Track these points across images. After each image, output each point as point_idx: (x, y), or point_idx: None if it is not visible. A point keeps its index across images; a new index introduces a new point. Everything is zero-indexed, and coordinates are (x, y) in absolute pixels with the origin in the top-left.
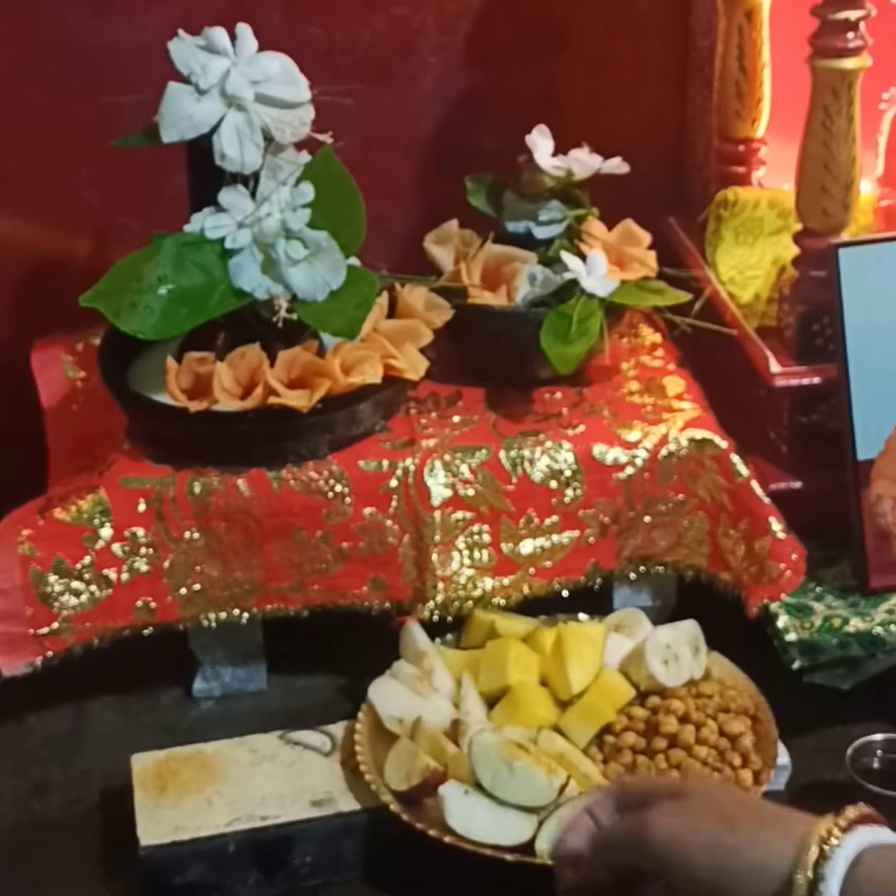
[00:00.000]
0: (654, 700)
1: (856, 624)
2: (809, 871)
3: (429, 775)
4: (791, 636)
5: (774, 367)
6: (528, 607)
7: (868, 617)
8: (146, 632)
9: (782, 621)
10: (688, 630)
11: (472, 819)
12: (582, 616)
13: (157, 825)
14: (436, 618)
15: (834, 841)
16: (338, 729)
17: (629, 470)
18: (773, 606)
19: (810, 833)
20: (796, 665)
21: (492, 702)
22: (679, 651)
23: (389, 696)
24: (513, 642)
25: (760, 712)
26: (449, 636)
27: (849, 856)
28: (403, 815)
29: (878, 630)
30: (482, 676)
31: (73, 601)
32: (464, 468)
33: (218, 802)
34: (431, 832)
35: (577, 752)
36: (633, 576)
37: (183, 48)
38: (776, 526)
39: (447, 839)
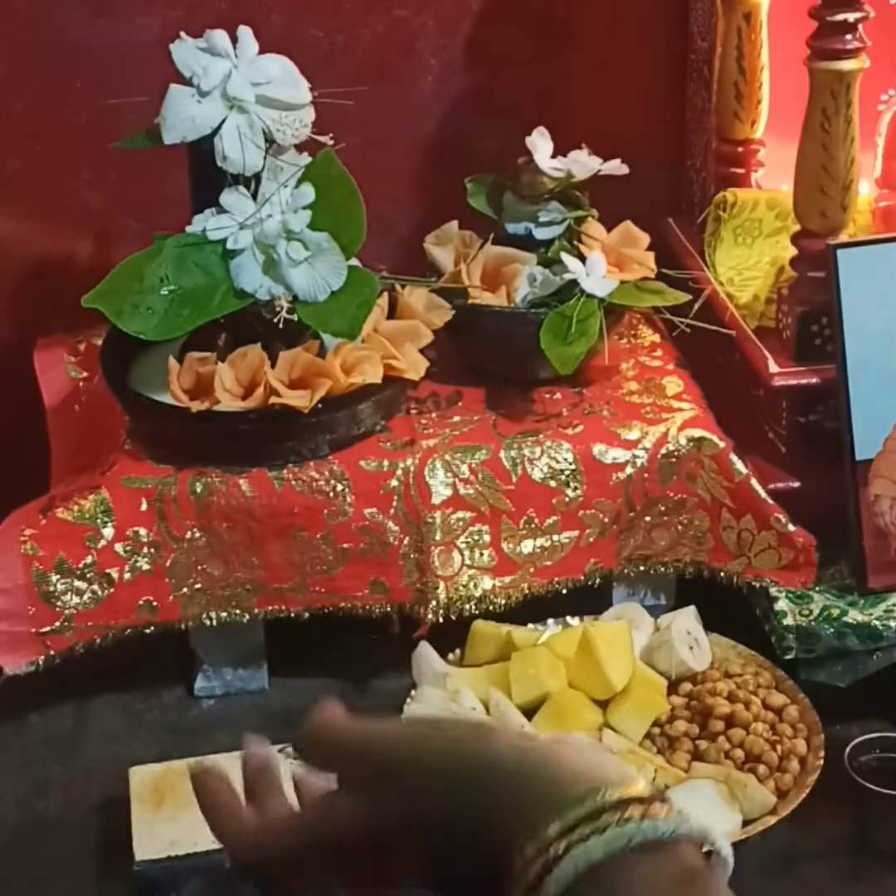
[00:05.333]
0: (687, 686)
1: (854, 615)
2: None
3: None
4: (788, 621)
5: (773, 367)
6: (520, 609)
7: (867, 613)
8: (148, 631)
9: (781, 605)
10: (692, 614)
11: None
12: (571, 619)
13: (152, 840)
14: (440, 619)
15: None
16: None
17: (629, 470)
18: (773, 590)
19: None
20: (792, 655)
21: (528, 714)
22: (698, 636)
23: None
24: (542, 651)
25: (781, 683)
26: (451, 656)
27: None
28: None
29: (876, 623)
30: (516, 689)
31: (76, 600)
32: (464, 468)
33: None
34: None
35: (638, 748)
36: (632, 575)
37: (184, 50)
38: (782, 519)
39: None
